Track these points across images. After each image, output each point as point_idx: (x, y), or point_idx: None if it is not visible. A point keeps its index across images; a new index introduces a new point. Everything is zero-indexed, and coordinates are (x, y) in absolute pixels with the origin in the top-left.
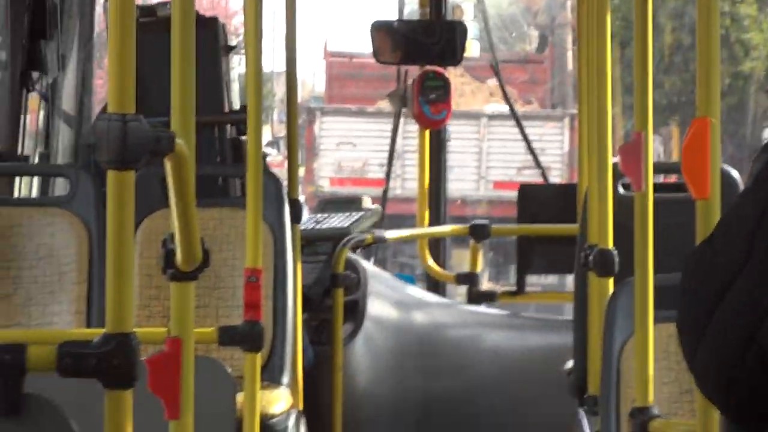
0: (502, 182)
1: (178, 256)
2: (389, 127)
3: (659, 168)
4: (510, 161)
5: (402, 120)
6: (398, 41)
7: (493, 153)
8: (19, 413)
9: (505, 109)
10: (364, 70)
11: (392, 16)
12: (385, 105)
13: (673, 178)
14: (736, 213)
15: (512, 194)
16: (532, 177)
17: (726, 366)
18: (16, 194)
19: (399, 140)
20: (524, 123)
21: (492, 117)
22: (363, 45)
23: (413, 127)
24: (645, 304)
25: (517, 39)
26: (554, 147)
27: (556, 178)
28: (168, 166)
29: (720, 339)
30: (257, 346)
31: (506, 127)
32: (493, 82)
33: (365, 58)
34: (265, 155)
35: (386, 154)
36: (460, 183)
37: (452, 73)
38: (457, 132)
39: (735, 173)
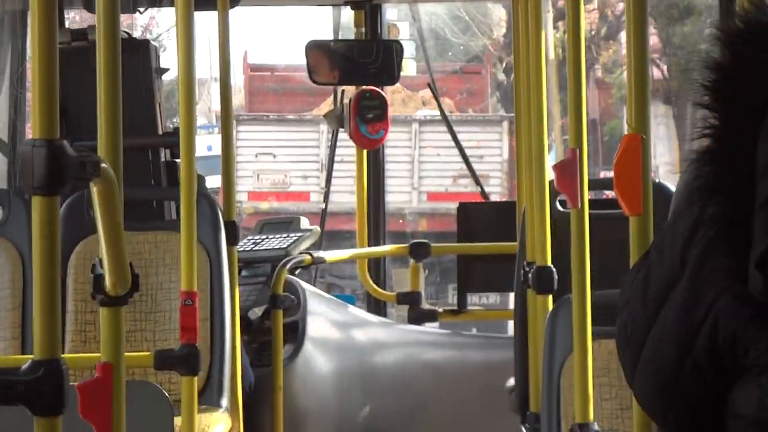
0: (437, 193)
1: (107, 280)
2: (312, 135)
3: (594, 184)
4: (445, 170)
5: (326, 128)
6: (334, 61)
7: (426, 162)
8: None
9: (438, 113)
10: (287, 83)
11: (307, 24)
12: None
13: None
14: (671, 229)
15: (448, 206)
16: (470, 187)
17: (663, 381)
18: None
19: (325, 150)
20: (459, 128)
21: (424, 122)
22: (285, 56)
23: (343, 135)
24: (583, 321)
25: (482, 25)
26: (493, 154)
27: (495, 187)
28: (94, 190)
29: (656, 355)
30: (194, 370)
31: (440, 133)
32: (426, 92)
33: (288, 71)
34: (200, 177)
35: (310, 165)
36: (391, 195)
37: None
38: (387, 140)
39: (670, 187)
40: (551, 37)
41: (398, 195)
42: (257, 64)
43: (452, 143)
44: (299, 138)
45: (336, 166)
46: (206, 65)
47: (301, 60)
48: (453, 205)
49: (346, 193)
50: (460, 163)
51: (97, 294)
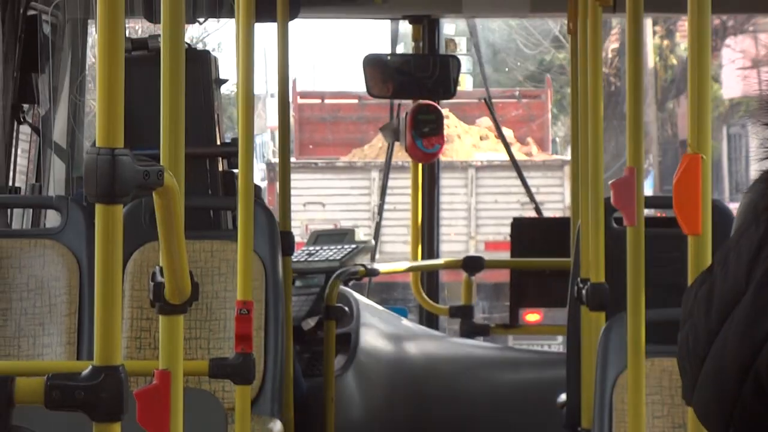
0: (495, 242)
1: (167, 289)
2: (362, 183)
3: (651, 203)
4: (502, 218)
5: (377, 175)
6: (391, 75)
7: (483, 209)
8: None
9: (494, 157)
10: (339, 112)
11: (359, 51)
12: (357, 157)
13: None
14: (735, 246)
15: (507, 255)
16: None
17: (723, 397)
18: (7, 226)
19: (377, 198)
20: (529, 176)
21: (480, 168)
22: (336, 84)
23: (394, 183)
24: (638, 339)
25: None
26: (554, 200)
27: None
28: (157, 199)
29: (718, 370)
30: (248, 379)
31: (497, 179)
32: (484, 121)
33: (340, 98)
34: (258, 188)
35: (361, 214)
36: (445, 245)
37: None
38: (442, 186)
39: (728, 207)
40: (650, 43)
41: (454, 245)
42: (307, 91)
43: (509, 189)
44: (349, 186)
45: (388, 215)
46: (262, 81)
47: (351, 87)
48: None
49: (399, 243)
50: (518, 210)
51: (156, 302)
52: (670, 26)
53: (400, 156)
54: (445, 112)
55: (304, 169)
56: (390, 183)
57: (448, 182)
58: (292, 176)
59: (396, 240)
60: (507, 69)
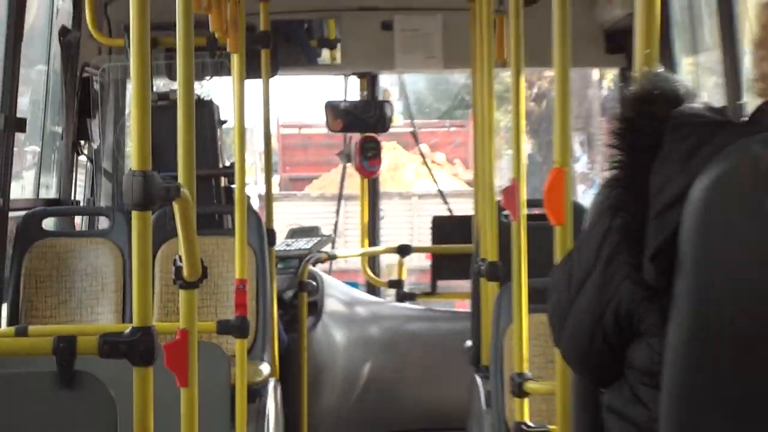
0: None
1: (185, 271)
2: (330, 208)
3: (529, 203)
4: None
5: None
6: (343, 115)
7: (425, 229)
8: (72, 386)
9: (433, 187)
10: (311, 139)
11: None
12: (325, 181)
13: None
14: (588, 233)
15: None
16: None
17: (581, 344)
18: (72, 228)
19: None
20: (454, 201)
21: (422, 197)
22: (307, 118)
23: (352, 208)
24: (521, 301)
25: None
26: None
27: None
28: (175, 207)
29: (576, 325)
30: (245, 334)
31: (436, 205)
32: (423, 147)
33: (312, 127)
34: (249, 198)
35: (328, 229)
36: (391, 257)
37: (387, 147)
38: (385, 211)
39: (584, 205)
40: None
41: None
42: (287, 122)
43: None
44: (321, 210)
45: (349, 232)
46: (255, 117)
47: (320, 119)
48: None
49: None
50: None
51: (177, 280)
52: None
53: (355, 187)
54: (393, 144)
55: (287, 199)
56: (348, 209)
57: (391, 208)
58: (278, 204)
59: (356, 259)
60: (453, 104)
